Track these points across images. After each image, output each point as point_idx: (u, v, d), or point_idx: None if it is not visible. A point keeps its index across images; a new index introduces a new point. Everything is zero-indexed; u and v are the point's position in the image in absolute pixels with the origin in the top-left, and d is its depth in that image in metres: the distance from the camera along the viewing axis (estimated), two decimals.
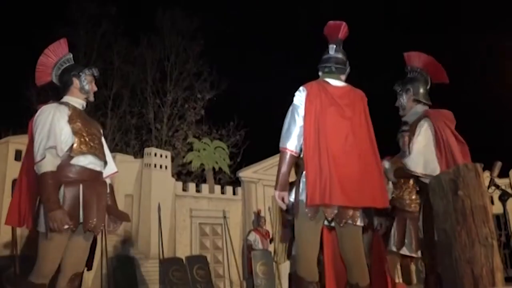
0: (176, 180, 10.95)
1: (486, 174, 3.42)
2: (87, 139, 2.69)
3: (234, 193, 10.85)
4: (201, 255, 9.14)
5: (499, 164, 3.04)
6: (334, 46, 2.66)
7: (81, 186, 2.62)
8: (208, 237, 10.19)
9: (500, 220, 9.39)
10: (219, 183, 11.93)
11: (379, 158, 2.56)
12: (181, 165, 15.03)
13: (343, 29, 2.66)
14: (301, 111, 2.48)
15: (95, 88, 2.81)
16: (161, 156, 11.28)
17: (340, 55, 2.66)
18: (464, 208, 2.42)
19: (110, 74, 19.28)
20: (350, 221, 2.40)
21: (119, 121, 19.48)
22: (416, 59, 3.18)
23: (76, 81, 2.74)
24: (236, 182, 11.42)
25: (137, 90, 19.83)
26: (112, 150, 18.90)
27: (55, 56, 2.77)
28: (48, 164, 2.53)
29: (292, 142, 2.47)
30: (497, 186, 3.07)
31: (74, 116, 2.69)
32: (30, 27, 23.69)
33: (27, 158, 2.73)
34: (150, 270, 10.05)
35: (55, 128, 2.59)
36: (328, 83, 2.61)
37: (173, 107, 19.82)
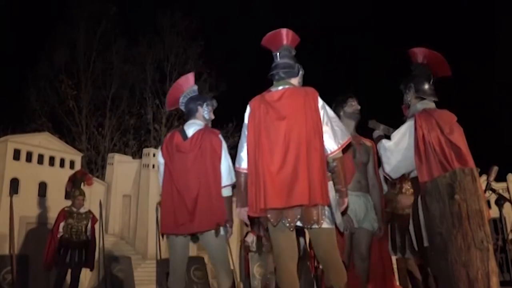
0: None
1: (483, 178, 3.44)
2: None
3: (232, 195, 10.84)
4: (199, 256, 9.11)
5: (495, 169, 3.05)
6: (278, 53, 2.69)
7: None
8: None
9: (497, 224, 9.42)
10: None
11: (323, 152, 2.46)
12: None
13: (286, 36, 2.68)
14: (246, 129, 2.62)
15: (213, 117, 3.30)
16: None
17: (286, 60, 2.68)
18: (460, 212, 2.44)
19: (109, 74, 19.29)
20: (315, 225, 2.36)
21: (117, 121, 19.48)
22: (419, 55, 3.06)
23: (200, 109, 3.21)
24: None
25: (136, 90, 19.84)
26: (110, 150, 18.88)
27: (183, 87, 3.28)
28: None
29: (243, 161, 2.62)
30: (493, 190, 3.08)
31: None
32: (30, 27, 23.72)
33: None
34: (147, 271, 10.04)
35: None
36: (269, 91, 2.63)
37: None
